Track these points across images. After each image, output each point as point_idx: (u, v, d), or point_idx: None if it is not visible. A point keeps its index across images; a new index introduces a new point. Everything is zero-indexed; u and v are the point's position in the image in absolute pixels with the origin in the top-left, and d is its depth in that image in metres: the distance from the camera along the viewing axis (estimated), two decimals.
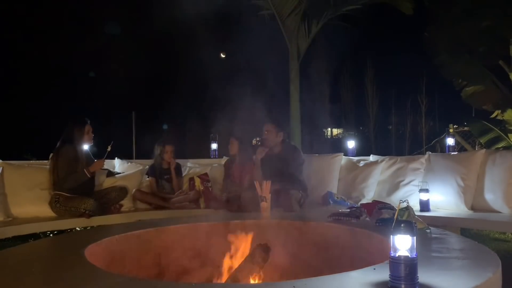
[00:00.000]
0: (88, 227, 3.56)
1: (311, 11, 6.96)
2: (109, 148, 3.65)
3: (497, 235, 4.49)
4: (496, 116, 7.49)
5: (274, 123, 3.99)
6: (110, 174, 4.03)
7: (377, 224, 2.26)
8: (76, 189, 3.54)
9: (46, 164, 3.72)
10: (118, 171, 4.25)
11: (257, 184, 2.91)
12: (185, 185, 4.29)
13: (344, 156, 4.33)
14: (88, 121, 3.72)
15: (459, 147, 7.13)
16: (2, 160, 3.69)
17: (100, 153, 3.74)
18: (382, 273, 1.35)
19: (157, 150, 4.25)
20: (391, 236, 1.28)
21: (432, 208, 3.40)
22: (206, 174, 4.27)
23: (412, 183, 3.74)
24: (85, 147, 3.67)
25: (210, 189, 4.13)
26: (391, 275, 1.26)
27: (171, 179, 4.19)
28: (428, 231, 2.08)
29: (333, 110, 10.97)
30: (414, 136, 9.47)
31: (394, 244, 1.27)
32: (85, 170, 3.55)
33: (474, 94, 7.73)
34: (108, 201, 3.75)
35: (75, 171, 3.55)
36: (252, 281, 1.84)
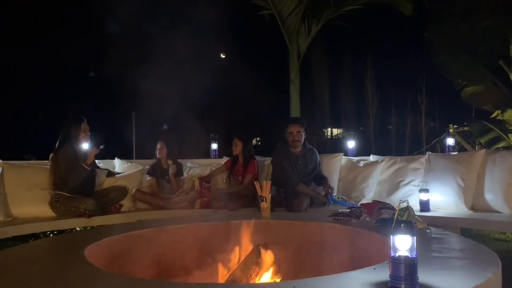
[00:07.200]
0: (88, 227, 3.56)
1: (311, 11, 6.96)
2: (102, 146, 3.70)
3: (497, 235, 4.49)
4: (496, 116, 7.47)
5: (300, 123, 3.92)
6: (110, 174, 4.03)
7: (377, 224, 2.26)
8: (76, 189, 3.54)
9: (46, 164, 3.72)
10: (118, 171, 4.25)
11: (257, 184, 2.91)
12: (186, 185, 4.28)
13: (344, 156, 4.34)
14: (84, 119, 3.72)
15: (459, 147, 7.11)
16: (2, 160, 3.69)
17: (99, 152, 3.73)
18: (382, 273, 1.35)
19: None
20: (391, 236, 1.28)
21: (432, 208, 3.40)
22: (208, 175, 4.27)
23: (412, 183, 3.74)
24: (85, 145, 3.67)
25: (209, 189, 4.13)
26: (391, 275, 1.26)
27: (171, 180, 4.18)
28: (428, 231, 2.08)
29: (333, 110, 10.97)
30: (414, 136, 9.46)
31: (394, 244, 1.26)
32: (83, 164, 3.56)
33: (474, 94, 7.71)
34: (108, 201, 3.76)
35: (75, 169, 3.55)
36: (252, 281, 1.84)
